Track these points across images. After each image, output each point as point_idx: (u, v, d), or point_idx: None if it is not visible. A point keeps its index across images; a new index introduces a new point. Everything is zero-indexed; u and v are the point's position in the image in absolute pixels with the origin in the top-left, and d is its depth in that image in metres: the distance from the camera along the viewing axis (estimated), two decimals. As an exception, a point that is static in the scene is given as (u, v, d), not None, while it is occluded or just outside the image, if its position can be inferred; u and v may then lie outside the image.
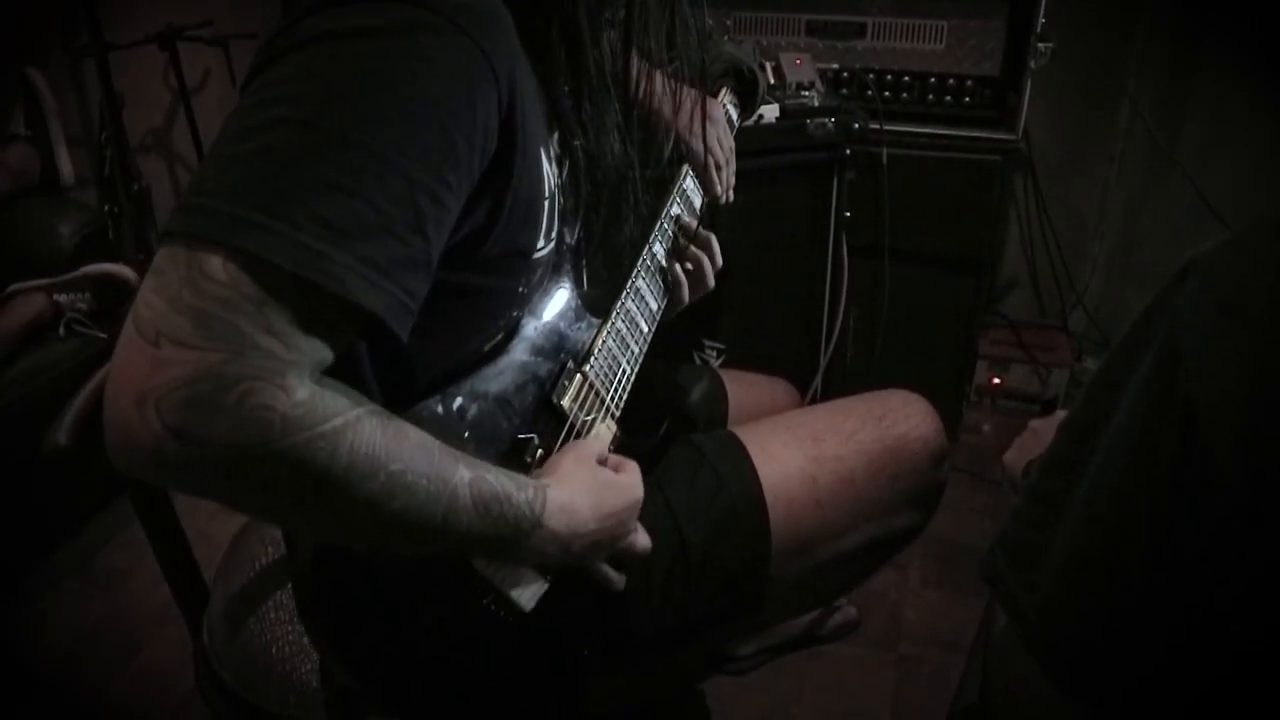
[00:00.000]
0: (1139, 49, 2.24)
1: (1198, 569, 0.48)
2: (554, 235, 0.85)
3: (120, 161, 2.37)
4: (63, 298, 1.95)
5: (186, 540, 1.10)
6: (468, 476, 0.71)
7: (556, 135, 0.86)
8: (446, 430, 0.78)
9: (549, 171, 0.82)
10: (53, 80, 2.28)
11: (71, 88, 2.62)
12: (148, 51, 2.39)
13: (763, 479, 1.00)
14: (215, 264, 0.58)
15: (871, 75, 1.97)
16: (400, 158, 0.63)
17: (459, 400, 0.82)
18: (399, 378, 0.78)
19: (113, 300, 2.02)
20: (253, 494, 0.62)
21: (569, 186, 0.90)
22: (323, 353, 0.64)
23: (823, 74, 1.91)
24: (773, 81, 1.75)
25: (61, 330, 1.95)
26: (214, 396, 0.57)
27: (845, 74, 1.99)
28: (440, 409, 0.81)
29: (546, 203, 0.81)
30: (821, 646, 1.67)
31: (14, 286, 1.93)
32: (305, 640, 1.01)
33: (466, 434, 0.81)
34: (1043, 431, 0.95)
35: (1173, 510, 0.48)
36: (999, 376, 2.40)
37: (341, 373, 0.67)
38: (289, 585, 1.08)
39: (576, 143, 0.87)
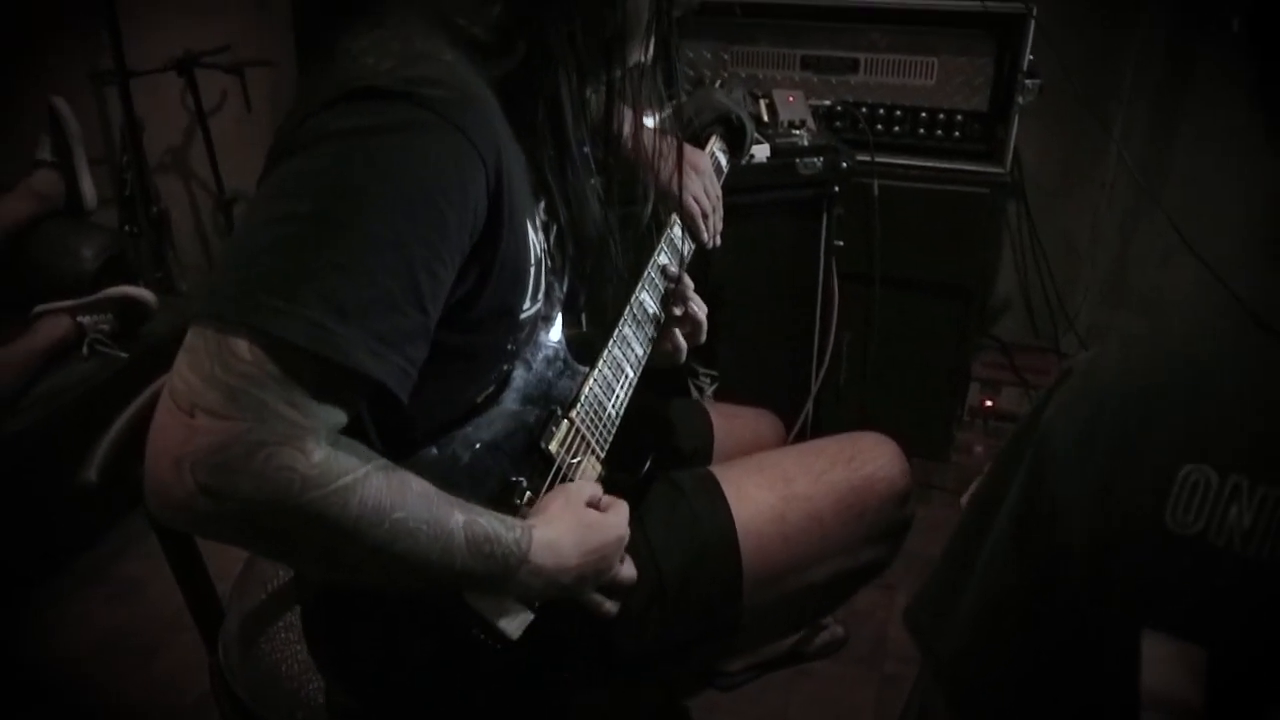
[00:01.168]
0: (1128, 88, 2.29)
1: (1070, 657, 0.53)
2: (540, 295, 0.92)
3: (140, 185, 2.46)
4: (86, 319, 2.03)
5: (204, 564, 1.18)
6: (461, 520, 0.79)
7: (543, 204, 0.94)
8: (443, 474, 0.85)
9: (535, 240, 0.89)
10: (76, 104, 2.36)
11: (94, 108, 2.72)
12: (166, 75, 2.49)
13: (735, 516, 1.08)
14: (241, 345, 0.67)
15: (864, 109, 2.04)
16: (399, 240, 0.71)
17: (453, 447, 0.90)
18: (398, 430, 0.86)
19: (134, 322, 2.11)
20: (272, 542, 0.72)
21: (555, 248, 0.98)
22: (336, 417, 0.73)
23: (816, 109, 1.97)
24: (765, 119, 1.82)
25: (85, 350, 2.03)
26: (242, 459, 0.66)
27: (839, 108, 2.06)
28: (436, 454, 0.89)
29: (533, 268, 0.89)
30: (808, 664, 1.73)
31: (40, 308, 2.02)
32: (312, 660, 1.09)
33: (461, 478, 0.89)
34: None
35: (1043, 606, 0.53)
36: (991, 398, 2.45)
37: (346, 425, 0.74)
38: (298, 607, 1.15)
39: (560, 210, 0.94)
